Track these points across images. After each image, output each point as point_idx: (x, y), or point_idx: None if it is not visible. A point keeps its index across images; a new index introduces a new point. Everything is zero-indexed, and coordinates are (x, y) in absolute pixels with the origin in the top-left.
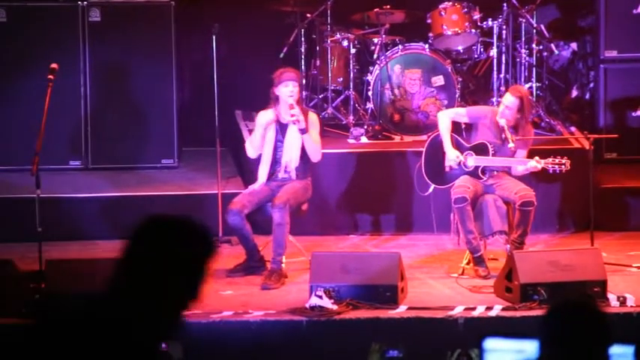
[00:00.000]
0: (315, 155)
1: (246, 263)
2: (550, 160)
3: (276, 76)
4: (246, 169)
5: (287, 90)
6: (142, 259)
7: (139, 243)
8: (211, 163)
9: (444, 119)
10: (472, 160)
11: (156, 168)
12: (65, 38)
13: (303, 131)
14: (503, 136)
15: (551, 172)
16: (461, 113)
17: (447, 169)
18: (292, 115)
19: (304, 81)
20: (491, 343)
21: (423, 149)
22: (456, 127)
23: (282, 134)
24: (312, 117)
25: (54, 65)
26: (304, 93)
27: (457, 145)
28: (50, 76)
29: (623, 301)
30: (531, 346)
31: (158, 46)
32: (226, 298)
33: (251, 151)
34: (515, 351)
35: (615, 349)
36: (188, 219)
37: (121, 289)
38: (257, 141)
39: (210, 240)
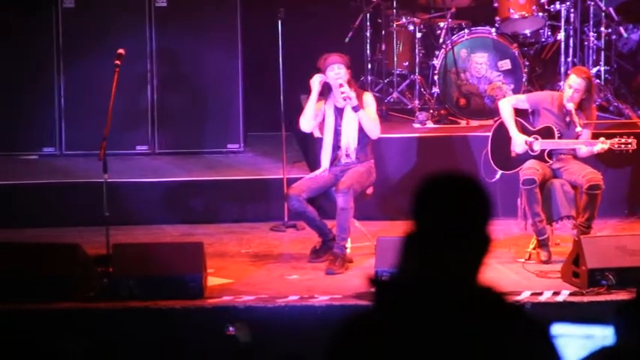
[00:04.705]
0: (372, 131)
1: (324, 244)
2: (616, 140)
3: (320, 63)
4: (311, 154)
5: (332, 73)
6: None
7: (428, 209)
8: (276, 147)
9: (506, 106)
10: (538, 144)
11: (222, 153)
12: (132, 24)
13: (356, 108)
14: (568, 119)
15: (617, 151)
16: (521, 100)
17: (513, 154)
18: (342, 93)
19: (370, 65)
20: (558, 329)
21: (489, 135)
22: (521, 112)
23: (340, 118)
24: (367, 96)
25: (121, 51)
26: (369, 78)
27: (523, 130)
28: (117, 62)
29: None
30: (599, 332)
31: (224, 31)
32: (292, 282)
33: (303, 122)
34: (583, 336)
35: None
36: (457, 174)
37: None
38: (309, 109)
39: (480, 185)
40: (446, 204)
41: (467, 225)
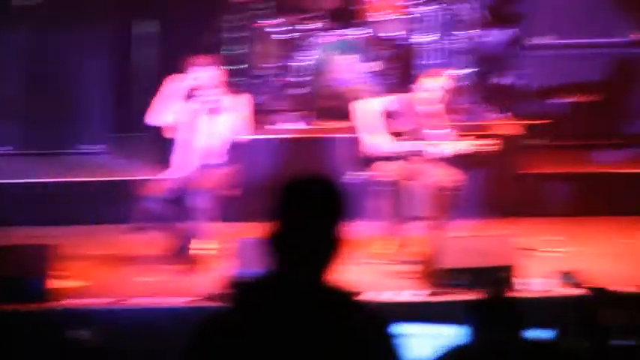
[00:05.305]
0: (238, 133)
1: (180, 246)
2: (475, 142)
3: (188, 65)
4: (172, 155)
5: (201, 75)
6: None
7: (289, 210)
8: (138, 149)
9: (372, 107)
10: (399, 145)
11: (85, 154)
12: None
13: (222, 110)
14: (429, 121)
15: (474, 152)
16: (385, 101)
17: (374, 155)
18: (208, 95)
19: (237, 66)
20: (410, 328)
21: (353, 137)
22: (385, 113)
23: (207, 119)
24: (236, 98)
25: None
26: (236, 78)
27: (385, 131)
28: None
29: (533, 286)
30: (450, 331)
31: (90, 30)
32: (145, 284)
33: (150, 115)
34: (434, 336)
35: (533, 333)
36: (316, 176)
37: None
38: (158, 105)
39: (337, 187)
40: (303, 206)
41: (323, 226)
